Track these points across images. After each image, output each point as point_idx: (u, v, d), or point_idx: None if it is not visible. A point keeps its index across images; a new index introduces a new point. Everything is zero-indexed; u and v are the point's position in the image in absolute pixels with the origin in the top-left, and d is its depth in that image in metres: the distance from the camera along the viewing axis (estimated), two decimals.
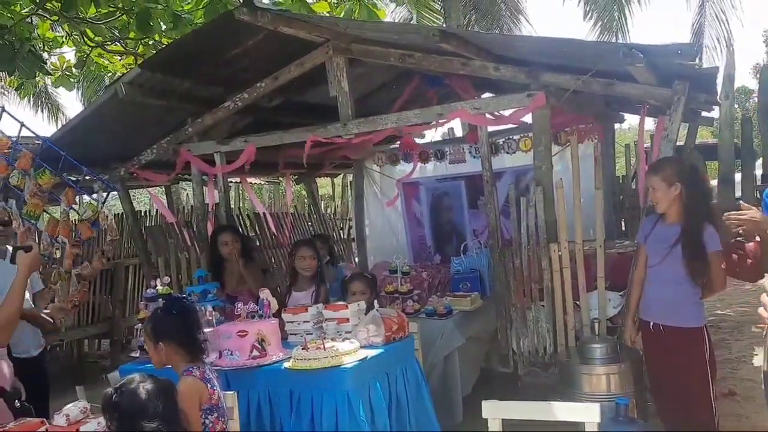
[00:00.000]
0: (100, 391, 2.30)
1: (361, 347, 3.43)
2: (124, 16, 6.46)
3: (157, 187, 7.66)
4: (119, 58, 8.19)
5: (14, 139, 4.77)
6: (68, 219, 4.69)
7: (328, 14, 6.64)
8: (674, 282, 3.35)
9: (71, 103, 41.78)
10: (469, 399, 4.37)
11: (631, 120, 6.41)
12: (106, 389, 2.26)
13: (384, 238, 7.17)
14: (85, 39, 7.24)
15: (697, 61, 3.98)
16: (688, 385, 3.34)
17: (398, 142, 7.00)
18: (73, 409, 2.63)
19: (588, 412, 2.52)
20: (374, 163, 7.04)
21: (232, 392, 2.92)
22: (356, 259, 7.93)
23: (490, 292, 5.08)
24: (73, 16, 6.21)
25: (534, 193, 4.32)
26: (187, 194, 12.78)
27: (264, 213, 7.61)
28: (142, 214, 7.86)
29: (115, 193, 5.84)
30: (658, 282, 3.44)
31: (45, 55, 7.46)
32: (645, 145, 4.73)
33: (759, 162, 11.49)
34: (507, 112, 4.68)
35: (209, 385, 2.69)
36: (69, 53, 8.17)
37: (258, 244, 7.55)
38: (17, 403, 2.94)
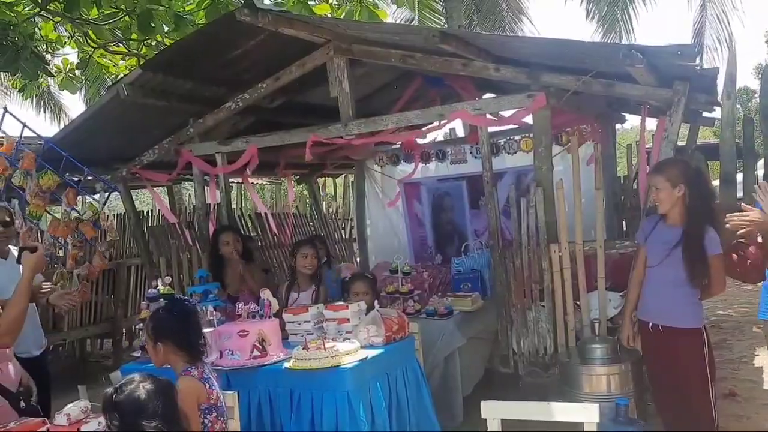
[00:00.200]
0: (102, 391, 2.31)
1: (362, 347, 3.44)
2: (126, 18, 6.48)
3: (160, 187, 7.69)
4: (122, 60, 8.20)
5: (17, 139, 4.79)
6: (69, 219, 4.71)
7: (329, 15, 6.65)
8: (673, 283, 3.34)
9: (74, 104, 41.89)
10: (470, 399, 4.37)
11: (632, 120, 6.41)
12: (106, 389, 2.27)
13: (385, 238, 7.18)
14: (88, 40, 7.26)
15: (697, 61, 3.98)
16: (688, 385, 3.34)
17: (399, 143, 7.01)
18: (73, 408, 2.64)
19: (587, 413, 2.52)
20: (375, 164, 7.05)
21: (232, 392, 2.93)
22: (358, 259, 7.94)
23: (491, 292, 5.08)
24: (76, 17, 6.23)
25: (534, 194, 4.33)
26: (189, 194, 12.79)
27: (266, 213, 7.63)
28: (145, 214, 7.87)
29: (118, 193, 5.85)
30: (657, 283, 3.44)
31: (48, 56, 7.49)
32: (647, 146, 4.73)
33: (761, 162, 11.45)
34: (508, 113, 4.69)
35: (208, 385, 2.70)
36: (71, 54, 8.21)
37: (259, 244, 7.57)
38: (22, 404, 2.96)
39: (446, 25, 10.93)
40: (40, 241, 4.84)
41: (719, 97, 4.44)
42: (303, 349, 3.30)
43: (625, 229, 6.35)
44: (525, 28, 14.72)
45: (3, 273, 3.51)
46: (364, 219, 7.41)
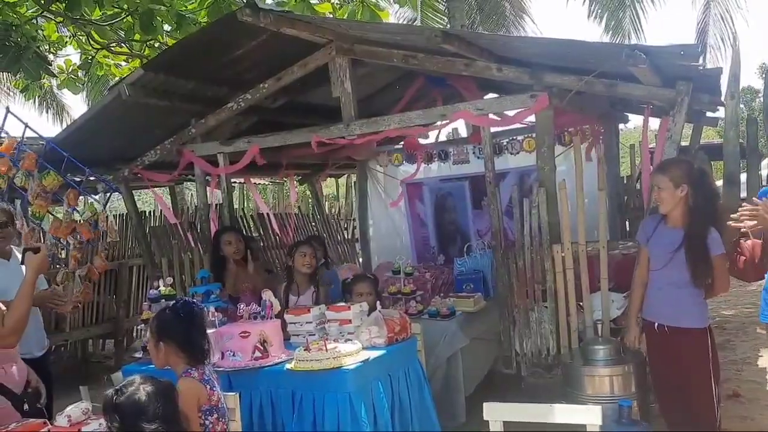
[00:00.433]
0: (104, 392, 2.31)
1: (364, 348, 3.43)
2: (128, 18, 6.49)
3: (162, 188, 7.69)
4: (125, 62, 8.21)
5: (18, 139, 4.79)
6: (71, 220, 4.71)
7: (331, 15, 6.65)
8: (677, 284, 3.33)
9: (76, 104, 42.01)
10: (472, 400, 4.36)
11: (636, 120, 6.39)
12: (107, 391, 2.26)
13: (388, 238, 7.17)
14: (90, 41, 7.26)
15: (701, 61, 3.96)
16: (692, 385, 3.33)
17: (402, 143, 7.01)
18: (74, 410, 2.63)
19: (589, 415, 2.51)
20: (378, 164, 7.05)
21: (234, 393, 2.92)
22: (360, 260, 7.93)
23: (493, 293, 5.07)
24: (78, 17, 6.23)
25: (537, 194, 4.32)
26: (192, 194, 12.81)
27: (268, 213, 7.62)
28: (147, 214, 7.87)
29: (120, 193, 5.85)
30: (661, 284, 3.42)
31: (50, 56, 7.49)
32: (650, 146, 4.71)
33: (765, 162, 11.41)
34: (510, 113, 4.68)
35: (208, 386, 2.69)
36: (74, 55, 8.22)
37: (262, 244, 7.56)
38: (26, 407, 2.96)
39: (449, 25, 10.92)
40: (42, 241, 4.85)
41: (723, 97, 4.41)
42: (305, 350, 3.29)
43: (628, 229, 6.32)
44: (527, 27, 14.73)
45: (5, 274, 3.51)
46: (367, 219, 7.40)
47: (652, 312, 3.48)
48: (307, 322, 3.78)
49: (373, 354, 3.40)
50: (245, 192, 12.35)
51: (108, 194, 5.15)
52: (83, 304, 6.13)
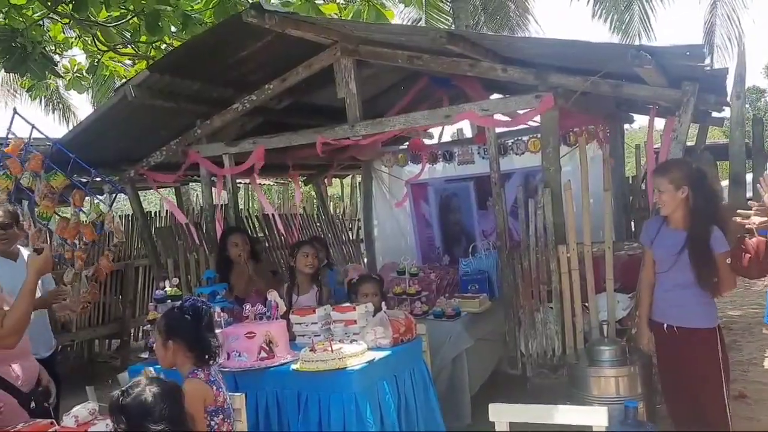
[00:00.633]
0: (110, 392, 2.32)
1: (369, 349, 3.43)
2: (134, 19, 6.51)
3: (168, 189, 7.71)
4: (130, 62, 8.23)
5: (25, 140, 4.81)
6: (77, 221, 4.73)
7: (336, 15, 6.66)
8: (684, 285, 3.33)
9: (82, 105, 42.08)
10: (477, 400, 4.36)
11: (640, 120, 6.37)
12: (113, 392, 2.27)
13: (392, 239, 7.17)
14: (96, 42, 7.29)
15: (708, 61, 3.95)
16: (702, 386, 3.32)
17: (406, 143, 7.00)
18: (81, 410, 2.64)
19: (596, 416, 2.51)
20: (383, 164, 7.05)
21: (240, 394, 2.93)
22: (365, 260, 7.94)
23: (498, 293, 5.07)
24: (84, 18, 6.25)
25: (542, 195, 4.31)
26: (197, 195, 12.84)
27: (273, 214, 7.63)
28: (152, 215, 7.90)
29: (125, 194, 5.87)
30: (668, 286, 3.42)
31: (56, 57, 7.52)
32: (655, 146, 4.70)
33: None
34: (515, 114, 4.67)
35: (214, 387, 2.69)
36: (80, 56, 8.26)
37: (267, 245, 7.57)
38: (33, 404, 2.96)
39: (453, 26, 10.91)
40: (49, 242, 4.87)
41: (728, 97, 4.40)
42: (310, 350, 3.29)
43: (633, 229, 6.32)
44: (531, 28, 14.71)
45: (11, 275, 3.52)
46: (371, 220, 7.40)
47: (661, 313, 3.47)
48: (312, 323, 3.78)
49: (379, 355, 3.41)
50: (250, 192, 12.37)
51: (114, 195, 5.16)
52: (91, 305, 6.15)
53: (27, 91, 11.12)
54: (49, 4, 6.01)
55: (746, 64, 4.55)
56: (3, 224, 3.70)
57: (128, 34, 7.20)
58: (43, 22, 6.55)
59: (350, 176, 10.57)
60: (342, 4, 7.12)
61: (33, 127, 4.85)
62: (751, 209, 3.03)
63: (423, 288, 4.95)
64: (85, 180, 5.05)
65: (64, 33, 7.58)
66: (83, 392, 3.16)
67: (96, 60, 7.78)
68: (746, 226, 3.08)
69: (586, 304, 4.29)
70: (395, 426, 3.31)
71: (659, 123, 4.70)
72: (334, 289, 4.87)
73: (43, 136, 5.01)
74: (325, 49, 4.70)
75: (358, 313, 3.73)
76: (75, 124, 8.73)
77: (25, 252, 3.86)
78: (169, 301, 3.74)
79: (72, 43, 7.73)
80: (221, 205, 5.87)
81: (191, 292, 5.12)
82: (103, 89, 12.97)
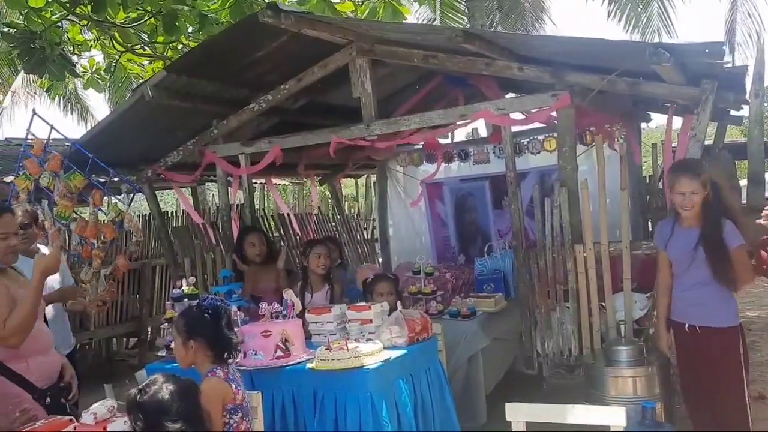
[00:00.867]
0: (128, 390, 2.34)
1: (384, 348, 3.43)
2: (152, 20, 6.56)
3: (184, 188, 7.75)
4: (148, 62, 8.30)
5: (45, 141, 4.88)
6: (96, 220, 4.78)
7: (352, 14, 6.66)
8: (703, 283, 3.30)
9: (100, 105, 42.46)
10: (492, 399, 4.35)
11: (657, 119, 6.32)
12: (130, 390, 2.29)
13: (408, 238, 7.17)
14: (114, 43, 7.36)
15: (727, 58, 3.90)
16: (724, 386, 3.29)
17: (422, 143, 6.99)
18: (100, 407, 2.66)
19: (613, 416, 2.49)
20: (398, 164, 7.05)
21: (256, 392, 2.94)
22: (380, 260, 7.94)
23: (514, 293, 5.05)
24: (102, 20, 6.32)
25: (559, 194, 4.29)
26: (213, 194, 12.90)
27: (288, 214, 7.66)
28: (169, 214, 7.95)
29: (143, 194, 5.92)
30: (686, 285, 3.39)
31: (75, 58, 7.60)
32: (672, 145, 4.65)
33: None
34: (531, 112, 4.65)
35: (234, 385, 2.70)
36: (98, 56, 8.33)
37: (282, 245, 7.60)
38: (48, 400, 2.98)
39: (468, 25, 10.88)
40: (67, 241, 4.92)
41: (747, 95, 4.35)
42: (326, 349, 3.30)
43: (650, 229, 6.26)
44: (546, 27, 14.62)
45: (30, 273, 3.55)
46: (386, 219, 7.41)
47: (681, 313, 3.44)
48: (328, 322, 3.79)
49: (394, 354, 3.40)
50: (266, 192, 12.41)
51: (132, 195, 5.21)
52: (109, 303, 6.21)
53: (46, 91, 11.24)
54: (67, 5, 6.08)
55: (765, 62, 4.50)
56: (22, 224, 3.74)
57: (145, 35, 7.26)
58: (62, 24, 6.61)
59: (365, 176, 10.57)
60: (358, 1, 7.12)
61: (52, 127, 4.91)
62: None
63: (438, 287, 4.94)
64: (103, 180, 5.11)
65: (82, 35, 7.66)
66: (101, 390, 3.18)
67: (114, 61, 7.85)
68: None
69: (603, 304, 4.27)
70: (412, 426, 3.31)
71: (677, 122, 4.65)
72: (350, 289, 4.87)
73: (62, 137, 5.07)
74: (341, 49, 4.71)
75: (374, 312, 3.73)
76: (93, 125, 8.83)
77: (45, 251, 3.91)
78: (186, 299, 3.76)
79: (90, 45, 7.82)
80: (237, 204, 5.90)
81: (208, 291, 5.15)
82: (120, 91, 13.11)
